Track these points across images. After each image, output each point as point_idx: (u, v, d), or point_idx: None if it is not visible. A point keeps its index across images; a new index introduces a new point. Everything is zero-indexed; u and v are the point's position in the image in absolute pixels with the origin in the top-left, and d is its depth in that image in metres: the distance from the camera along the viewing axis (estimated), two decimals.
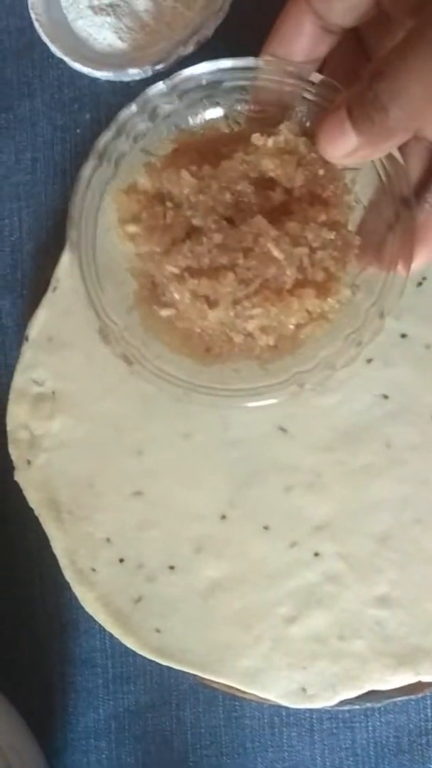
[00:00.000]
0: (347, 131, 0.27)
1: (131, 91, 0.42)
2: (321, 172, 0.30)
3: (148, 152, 0.32)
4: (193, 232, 0.30)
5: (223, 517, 0.38)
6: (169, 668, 0.39)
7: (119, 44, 0.39)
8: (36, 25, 0.40)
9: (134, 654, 0.39)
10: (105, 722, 0.41)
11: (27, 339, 0.40)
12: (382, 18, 0.29)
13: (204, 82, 0.31)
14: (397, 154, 0.30)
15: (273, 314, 0.30)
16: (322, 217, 0.30)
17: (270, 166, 0.30)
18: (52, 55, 0.41)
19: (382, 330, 0.30)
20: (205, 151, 0.31)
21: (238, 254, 0.29)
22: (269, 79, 0.31)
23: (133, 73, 0.39)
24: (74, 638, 0.41)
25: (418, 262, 0.30)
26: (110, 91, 0.42)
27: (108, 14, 0.39)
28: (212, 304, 0.30)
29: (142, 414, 0.39)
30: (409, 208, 0.30)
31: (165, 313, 0.31)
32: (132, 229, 0.31)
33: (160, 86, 0.31)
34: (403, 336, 0.37)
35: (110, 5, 0.39)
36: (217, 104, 0.32)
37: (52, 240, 0.42)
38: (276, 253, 0.29)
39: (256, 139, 0.30)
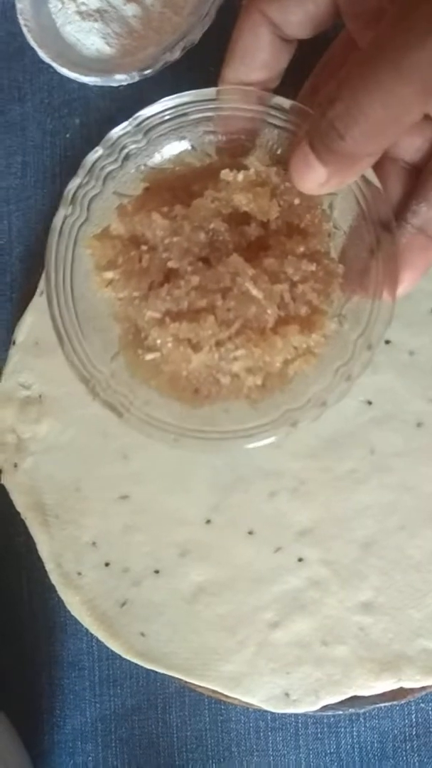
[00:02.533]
0: (313, 164, 0.26)
1: (120, 95, 0.42)
2: (296, 201, 0.29)
3: (120, 194, 0.31)
4: (170, 275, 0.29)
5: (208, 521, 0.38)
6: (155, 672, 0.39)
7: (107, 50, 0.40)
8: (24, 30, 0.40)
9: (121, 657, 0.39)
10: (92, 725, 0.41)
11: (14, 343, 0.40)
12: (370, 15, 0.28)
13: (167, 117, 0.31)
14: (373, 177, 0.29)
15: (257, 355, 0.29)
16: (301, 249, 0.29)
17: (243, 201, 0.29)
18: (42, 60, 0.41)
19: (372, 362, 0.30)
20: (177, 188, 0.31)
21: (217, 295, 0.29)
22: (233, 107, 0.30)
23: (121, 79, 0.39)
24: (61, 641, 0.42)
25: (404, 287, 0.29)
26: (99, 95, 0.42)
27: (96, 20, 0.39)
28: (195, 347, 0.29)
29: None
30: (389, 231, 0.29)
31: (150, 357, 0.30)
32: (109, 275, 0.30)
33: (124, 126, 0.31)
34: (387, 342, 0.37)
35: (98, 11, 0.39)
36: (184, 138, 0.31)
37: (41, 244, 0.42)
38: (255, 292, 0.28)
39: (225, 174, 0.29)
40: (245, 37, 0.29)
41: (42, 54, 0.40)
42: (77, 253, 0.31)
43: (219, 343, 0.29)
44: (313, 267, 0.29)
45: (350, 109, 0.24)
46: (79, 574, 0.39)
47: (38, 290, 0.41)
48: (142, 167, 0.31)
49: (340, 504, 0.37)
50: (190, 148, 0.31)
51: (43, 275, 0.40)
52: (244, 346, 0.29)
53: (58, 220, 0.31)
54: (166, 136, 0.31)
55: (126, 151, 0.31)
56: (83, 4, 0.39)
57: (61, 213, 0.31)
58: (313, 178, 0.27)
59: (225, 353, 0.29)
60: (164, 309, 0.29)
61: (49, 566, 0.39)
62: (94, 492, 0.39)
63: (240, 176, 0.29)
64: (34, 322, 0.40)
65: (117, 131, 0.31)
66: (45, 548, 0.39)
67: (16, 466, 0.40)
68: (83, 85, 0.41)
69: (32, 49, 0.41)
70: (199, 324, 0.28)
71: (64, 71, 0.40)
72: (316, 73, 0.32)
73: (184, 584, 0.38)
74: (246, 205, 0.29)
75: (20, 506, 0.40)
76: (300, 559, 0.37)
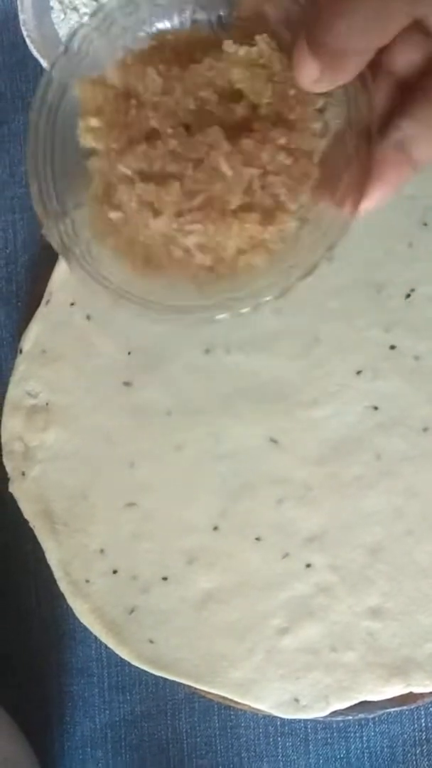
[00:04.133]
0: (307, 57, 0.26)
1: None
2: (291, 92, 0.29)
3: (124, 47, 0.30)
4: (151, 136, 0.29)
5: (216, 528, 0.38)
6: (164, 678, 0.39)
7: None
8: (27, 41, 0.40)
9: (130, 664, 0.39)
10: (101, 731, 0.42)
11: (21, 351, 0.41)
12: None
13: None
14: (368, 84, 0.28)
15: (211, 232, 0.29)
16: (282, 140, 0.28)
17: (239, 77, 0.29)
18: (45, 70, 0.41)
19: (319, 267, 0.29)
20: (180, 52, 0.30)
21: (189, 164, 0.28)
22: None
23: None
24: (71, 648, 0.42)
25: (371, 201, 0.29)
26: None
27: None
28: (156, 212, 0.29)
29: (134, 426, 0.39)
30: (368, 142, 0.28)
31: (113, 215, 0.29)
32: (93, 122, 0.30)
33: None
34: (393, 348, 0.37)
35: None
36: (202, 8, 0.31)
37: (46, 253, 0.43)
38: (224, 168, 0.28)
39: (228, 46, 0.29)
40: None
41: (45, 65, 0.40)
42: (69, 94, 0.30)
43: (179, 214, 0.29)
44: (289, 161, 0.29)
45: (340, 9, 0.25)
46: (88, 581, 0.39)
47: (44, 299, 0.41)
48: (153, 28, 0.31)
49: (348, 510, 0.37)
50: (206, 20, 0.31)
51: (50, 281, 0.41)
52: (202, 222, 0.28)
53: (59, 56, 0.30)
54: (185, 2, 0.30)
55: (141, 7, 0.30)
56: (86, 14, 0.40)
57: (61, 48, 0.30)
58: (307, 72, 0.27)
59: (182, 224, 0.29)
60: (137, 167, 0.29)
61: (57, 574, 0.39)
62: (102, 500, 0.39)
63: (242, 51, 0.29)
64: (40, 331, 0.40)
65: None
66: (53, 556, 0.39)
67: (24, 474, 0.40)
68: None
69: (35, 59, 0.41)
70: (164, 189, 0.28)
71: None
72: None
73: (192, 591, 0.38)
74: (241, 81, 0.29)
75: (28, 514, 0.40)
76: (308, 566, 0.37)
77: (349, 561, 0.37)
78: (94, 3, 0.39)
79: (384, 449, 0.37)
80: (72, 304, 0.40)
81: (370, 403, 0.37)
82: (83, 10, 0.40)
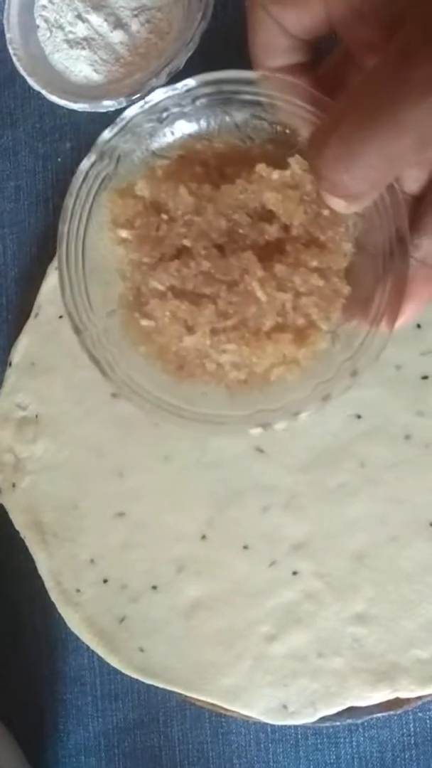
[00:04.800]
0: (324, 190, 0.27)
1: (110, 119, 0.42)
2: (325, 213, 0.29)
3: (153, 154, 0.31)
4: (183, 251, 0.29)
5: (204, 537, 0.39)
6: (156, 686, 0.40)
7: (95, 76, 0.40)
8: (14, 59, 0.41)
9: (122, 672, 0.40)
10: (95, 739, 0.42)
11: (10, 364, 0.41)
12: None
13: (215, 90, 0.30)
14: (399, 198, 0.28)
15: (246, 353, 0.29)
16: (315, 263, 0.29)
17: (271, 200, 0.28)
18: (32, 88, 0.42)
19: (351, 387, 0.30)
20: (210, 165, 0.30)
21: (222, 286, 0.28)
22: (284, 99, 0.29)
23: (109, 105, 0.40)
24: (63, 656, 0.42)
25: (404, 319, 0.29)
26: (89, 120, 0.43)
27: (83, 48, 0.40)
28: (189, 329, 0.29)
29: (122, 437, 0.39)
30: (401, 261, 0.29)
31: (145, 323, 0.30)
32: (123, 233, 0.30)
33: (168, 89, 0.30)
34: None
35: (85, 39, 0.40)
36: (229, 114, 0.30)
37: (35, 266, 0.43)
38: (259, 294, 0.28)
39: (261, 169, 0.29)
40: (259, 33, 0.28)
41: (32, 82, 0.41)
42: (97, 201, 0.30)
43: (213, 332, 0.29)
44: (321, 283, 0.29)
45: (342, 155, 0.24)
46: (78, 591, 0.39)
47: (33, 312, 0.41)
48: (181, 134, 0.31)
49: (332, 517, 0.38)
50: (233, 126, 0.31)
51: (38, 294, 0.42)
52: (236, 342, 0.29)
53: (84, 165, 0.30)
54: (212, 109, 0.30)
55: (167, 113, 0.30)
56: (71, 32, 0.40)
57: (90, 159, 0.30)
58: (333, 202, 0.27)
59: (216, 343, 0.29)
60: (169, 284, 0.29)
61: (48, 584, 0.40)
62: (92, 510, 0.40)
63: (275, 175, 0.28)
64: (29, 343, 0.41)
65: (161, 93, 0.30)
66: (44, 566, 0.40)
67: (14, 485, 0.40)
68: (73, 111, 0.42)
69: (22, 76, 0.41)
70: (198, 309, 0.29)
71: (53, 98, 0.40)
72: (327, 65, 0.31)
73: (182, 599, 0.39)
74: (273, 204, 0.29)
75: (19, 525, 0.40)
76: (294, 573, 0.38)
77: (335, 568, 0.38)
78: (79, 22, 0.40)
79: (367, 457, 0.38)
80: (60, 317, 0.41)
81: (353, 412, 0.38)
82: (68, 28, 0.40)
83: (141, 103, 0.30)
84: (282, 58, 0.29)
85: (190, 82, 0.30)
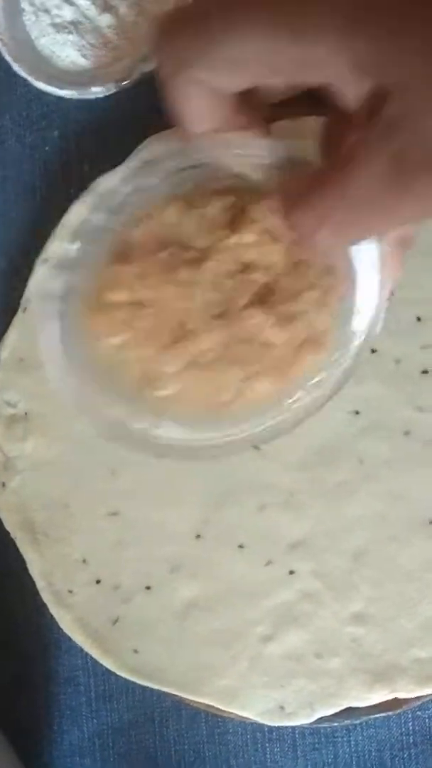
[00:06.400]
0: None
1: (99, 107, 0.41)
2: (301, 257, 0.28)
3: (110, 252, 0.29)
4: (187, 331, 0.28)
5: (198, 536, 0.38)
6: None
7: (82, 61, 0.39)
8: None
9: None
10: (89, 740, 0.41)
11: None
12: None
13: (161, 167, 0.29)
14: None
15: (276, 388, 0.29)
16: (315, 295, 0.29)
17: (253, 256, 0.28)
18: (18, 74, 0.40)
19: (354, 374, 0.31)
20: (171, 243, 0.29)
21: (238, 347, 0.28)
22: (220, 155, 0.28)
23: (97, 91, 0.38)
24: (57, 657, 0.41)
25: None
26: (77, 107, 0.42)
27: (70, 32, 0.39)
28: (218, 389, 0.29)
29: None
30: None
31: (164, 393, 0.29)
32: (116, 341, 0.29)
33: (113, 180, 0.29)
34: (373, 351, 0.37)
35: (72, 22, 0.39)
36: (177, 186, 0.29)
37: (23, 258, 0.42)
38: (275, 339, 0.28)
39: (236, 240, 0.28)
40: (191, 103, 0.26)
41: (17, 68, 0.39)
42: (74, 318, 0.29)
43: (241, 380, 0.29)
44: (319, 293, 0.29)
45: (313, 236, 0.26)
46: (70, 592, 0.39)
47: (21, 306, 0.40)
48: (130, 216, 0.29)
49: (331, 515, 0.37)
50: (168, 192, 0.29)
51: (26, 288, 0.40)
52: (263, 383, 0.29)
53: (54, 288, 0.29)
54: (156, 187, 0.29)
55: (114, 201, 0.30)
56: (57, 16, 0.39)
57: (59, 279, 0.29)
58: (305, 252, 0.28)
59: (244, 388, 0.29)
60: (184, 363, 0.28)
61: (40, 585, 0.39)
62: (83, 509, 0.39)
63: (248, 238, 0.28)
64: (17, 339, 0.40)
65: (105, 182, 0.30)
66: (35, 567, 0.39)
67: (4, 485, 0.39)
68: (61, 98, 0.41)
69: (7, 62, 0.40)
70: (224, 377, 0.29)
71: (40, 85, 0.39)
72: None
73: (176, 600, 0.38)
74: (256, 259, 0.28)
75: (9, 525, 0.39)
76: (291, 572, 0.37)
77: (333, 567, 0.37)
78: (66, 5, 0.39)
79: (366, 454, 0.37)
80: None
81: (351, 408, 0.37)
82: (55, 12, 0.39)
83: (83, 200, 0.30)
84: (219, 118, 0.27)
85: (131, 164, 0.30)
